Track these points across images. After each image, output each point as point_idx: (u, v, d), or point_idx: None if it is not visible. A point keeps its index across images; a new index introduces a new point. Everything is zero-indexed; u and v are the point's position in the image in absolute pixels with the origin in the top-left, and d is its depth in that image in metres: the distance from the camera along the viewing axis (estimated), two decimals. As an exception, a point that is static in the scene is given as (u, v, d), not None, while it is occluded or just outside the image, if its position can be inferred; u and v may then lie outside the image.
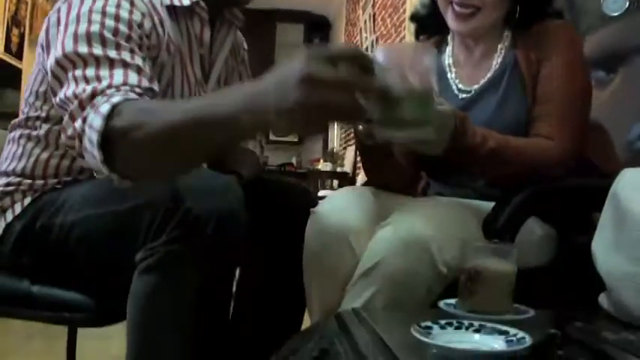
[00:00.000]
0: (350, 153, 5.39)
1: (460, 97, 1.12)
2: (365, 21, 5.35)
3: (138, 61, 0.86)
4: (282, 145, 7.77)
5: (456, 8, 1.07)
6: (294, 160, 7.74)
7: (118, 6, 0.89)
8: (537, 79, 1.06)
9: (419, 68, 0.68)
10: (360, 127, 0.89)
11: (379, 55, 0.69)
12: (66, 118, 0.79)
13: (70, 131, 0.78)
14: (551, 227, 1.06)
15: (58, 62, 0.85)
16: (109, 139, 0.72)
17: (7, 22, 5.08)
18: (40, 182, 0.98)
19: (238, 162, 1.11)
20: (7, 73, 5.22)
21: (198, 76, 1.06)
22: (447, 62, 1.17)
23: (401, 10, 4.10)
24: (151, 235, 0.82)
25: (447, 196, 1.13)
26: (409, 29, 3.80)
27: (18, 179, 0.99)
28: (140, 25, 0.91)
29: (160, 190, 0.83)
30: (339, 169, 5.35)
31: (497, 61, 1.11)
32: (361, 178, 4.56)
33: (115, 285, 0.88)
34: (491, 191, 1.08)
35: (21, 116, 1.03)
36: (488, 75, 1.11)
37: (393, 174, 1.09)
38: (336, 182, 5.38)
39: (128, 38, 0.87)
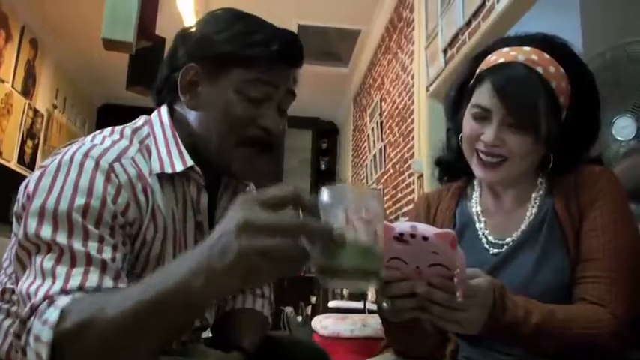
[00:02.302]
0: (361, 260, 5.22)
1: (491, 251, 1.01)
2: (372, 128, 5.42)
3: (106, 252, 0.78)
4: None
5: (482, 157, 0.99)
6: (302, 265, 7.55)
7: (93, 179, 0.81)
8: (580, 234, 0.95)
9: (366, 214, 0.59)
10: (385, 304, 0.78)
11: (324, 195, 0.60)
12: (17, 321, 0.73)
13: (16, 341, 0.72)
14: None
15: (20, 244, 0.79)
16: (59, 346, 0.66)
17: (23, 134, 5.19)
18: None
19: (242, 328, 0.98)
20: (18, 182, 5.23)
21: (191, 247, 0.92)
22: (474, 210, 1.08)
23: (409, 120, 4.13)
24: None
25: (481, 364, 0.99)
26: (418, 138, 3.80)
27: None
28: (114, 202, 0.82)
29: None
30: (349, 278, 5.15)
31: (531, 211, 1.01)
32: (372, 293, 4.36)
33: None
34: (531, 359, 0.94)
35: None
36: (523, 227, 1.00)
37: (419, 342, 0.96)
38: (346, 291, 5.16)
39: (98, 220, 0.79)
